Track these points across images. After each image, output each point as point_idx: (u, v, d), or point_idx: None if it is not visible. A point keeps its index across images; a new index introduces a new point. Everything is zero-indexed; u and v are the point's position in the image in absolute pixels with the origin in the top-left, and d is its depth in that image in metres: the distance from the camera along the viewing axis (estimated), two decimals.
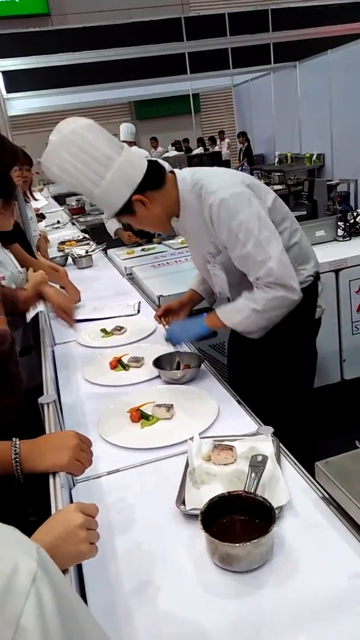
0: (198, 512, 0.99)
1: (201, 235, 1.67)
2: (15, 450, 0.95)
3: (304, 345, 1.90)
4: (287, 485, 1.09)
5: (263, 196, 1.65)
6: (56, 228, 5.24)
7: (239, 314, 1.61)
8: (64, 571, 0.76)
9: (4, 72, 6.40)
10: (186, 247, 2.92)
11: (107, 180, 1.50)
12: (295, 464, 1.20)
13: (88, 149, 1.48)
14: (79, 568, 0.96)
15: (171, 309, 1.93)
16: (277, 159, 9.49)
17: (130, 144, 6.44)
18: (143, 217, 1.61)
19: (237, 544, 0.90)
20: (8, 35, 7.30)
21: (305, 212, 3.29)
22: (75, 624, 0.47)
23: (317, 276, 1.83)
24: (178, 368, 1.73)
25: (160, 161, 1.69)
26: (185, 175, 1.64)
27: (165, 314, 1.93)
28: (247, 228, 1.53)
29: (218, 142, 12.48)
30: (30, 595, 0.42)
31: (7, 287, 1.79)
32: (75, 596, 0.51)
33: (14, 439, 0.98)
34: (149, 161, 1.61)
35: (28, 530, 0.73)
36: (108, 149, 1.51)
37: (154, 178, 1.59)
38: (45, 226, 5.11)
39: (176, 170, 1.66)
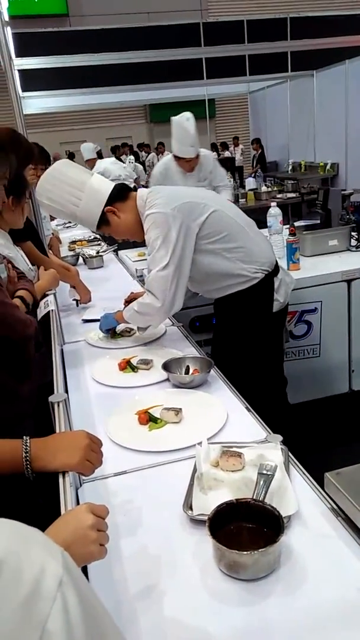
0: (205, 517, 0.99)
1: None
2: (25, 449, 0.95)
3: (266, 335, 2.17)
4: (296, 494, 1.09)
5: (196, 213, 1.96)
6: (67, 227, 5.25)
7: (128, 312, 2.03)
8: None
9: (21, 71, 6.42)
10: None
11: (84, 200, 1.93)
12: (303, 473, 1.20)
13: (65, 179, 1.94)
14: (84, 569, 0.96)
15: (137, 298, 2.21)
16: (290, 167, 9.46)
17: (93, 160, 6.44)
18: (117, 225, 2.00)
19: (245, 552, 0.90)
20: (26, 35, 7.32)
21: (318, 221, 3.29)
22: (99, 628, 0.47)
23: (269, 273, 2.09)
24: (187, 372, 1.72)
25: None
26: (143, 193, 2.01)
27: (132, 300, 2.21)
28: (152, 243, 1.94)
29: (232, 148, 12.48)
30: (57, 599, 0.42)
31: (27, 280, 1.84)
32: (97, 601, 0.51)
33: (24, 437, 0.98)
34: (116, 183, 2.06)
35: (39, 517, 0.73)
36: (79, 176, 1.97)
37: (119, 193, 1.99)
38: (56, 225, 5.11)
39: (139, 190, 2.05)
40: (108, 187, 2.00)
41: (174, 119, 3.43)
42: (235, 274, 2.04)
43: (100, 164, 5.98)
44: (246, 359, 2.12)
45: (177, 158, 3.52)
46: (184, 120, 3.36)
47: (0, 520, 0.47)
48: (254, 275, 2.06)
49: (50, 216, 4.77)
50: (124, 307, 2.17)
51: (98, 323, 2.29)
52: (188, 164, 3.50)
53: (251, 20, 8.36)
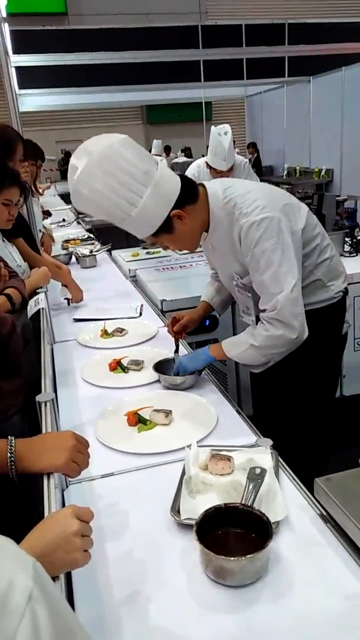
0: (193, 522, 0.97)
1: (229, 253, 1.62)
2: (10, 449, 0.92)
3: (330, 360, 1.87)
4: (285, 500, 1.07)
5: (296, 216, 1.59)
6: (61, 226, 5.22)
7: (239, 347, 1.58)
8: (54, 578, 0.73)
9: (17, 68, 6.40)
10: (189, 253, 2.90)
11: (145, 200, 1.40)
12: (293, 478, 1.18)
13: (125, 166, 1.37)
14: (68, 574, 0.94)
15: (188, 325, 1.87)
16: (285, 172, 9.51)
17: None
18: (180, 234, 1.54)
19: (232, 558, 0.88)
20: (24, 32, 7.29)
21: None
22: None
23: (346, 291, 1.79)
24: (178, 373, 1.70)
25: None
26: (217, 190, 1.57)
27: (182, 329, 1.86)
28: (268, 257, 1.48)
29: None
30: (25, 616, 0.40)
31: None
32: (72, 615, 0.49)
33: (9, 437, 0.95)
34: (180, 175, 1.54)
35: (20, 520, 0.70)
36: (145, 164, 1.41)
37: (190, 192, 1.53)
38: (50, 223, 5.08)
39: (207, 184, 1.60)
40: (176, 182, 1.49)
41: (213, 129, 3.42)
42: (317, 293, 1.67)
43: None
44: (304, 385, 1.81)
45: (209, 166, 3.50)
46: (222, 133, 3.32)
47: None
48: (335, 295, 1.72)
49: (44, 214, 4.75)
50: (174, 337, 1.84)
51: (89, 323, 2.28)
52: (219, 175, 3.47)
53: (249, 24, 8.38)
